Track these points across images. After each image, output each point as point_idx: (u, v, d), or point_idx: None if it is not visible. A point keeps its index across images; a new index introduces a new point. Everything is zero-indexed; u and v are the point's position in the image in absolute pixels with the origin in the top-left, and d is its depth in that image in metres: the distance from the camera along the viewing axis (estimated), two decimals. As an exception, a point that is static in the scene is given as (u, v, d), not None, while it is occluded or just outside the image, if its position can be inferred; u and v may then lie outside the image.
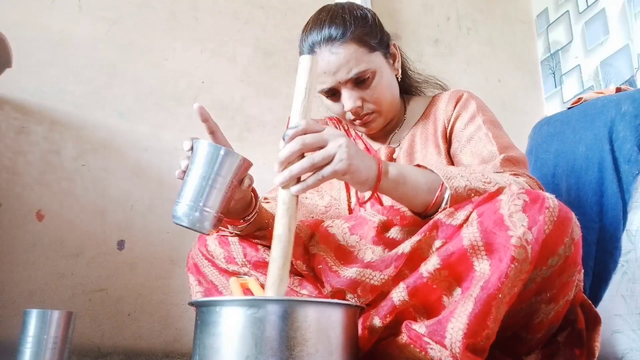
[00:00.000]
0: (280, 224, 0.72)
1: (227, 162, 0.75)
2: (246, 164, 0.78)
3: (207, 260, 0.99)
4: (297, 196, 0.73)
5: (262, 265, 0.95)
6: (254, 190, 0.91)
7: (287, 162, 0.72)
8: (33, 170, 1.45)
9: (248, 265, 0.95)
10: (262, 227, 0.95)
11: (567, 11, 1.97)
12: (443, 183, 0.79)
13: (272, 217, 1.01)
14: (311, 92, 0.77)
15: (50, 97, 1.50)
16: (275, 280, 0.70)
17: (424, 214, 0.83)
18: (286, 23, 1.80)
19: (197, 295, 0.97)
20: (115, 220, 1.48)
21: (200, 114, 0.81)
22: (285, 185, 0.73)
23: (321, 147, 0.72)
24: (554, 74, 2.03)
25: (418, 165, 0.85)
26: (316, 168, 0.71)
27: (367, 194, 0.81)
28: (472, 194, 0.78)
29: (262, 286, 0.90)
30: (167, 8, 1.68)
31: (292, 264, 0.91)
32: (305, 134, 0.72)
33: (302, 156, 0.73)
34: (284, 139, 0.73)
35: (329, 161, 0.71)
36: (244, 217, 0.90)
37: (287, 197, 0.72)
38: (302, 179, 0.73)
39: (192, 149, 0.77)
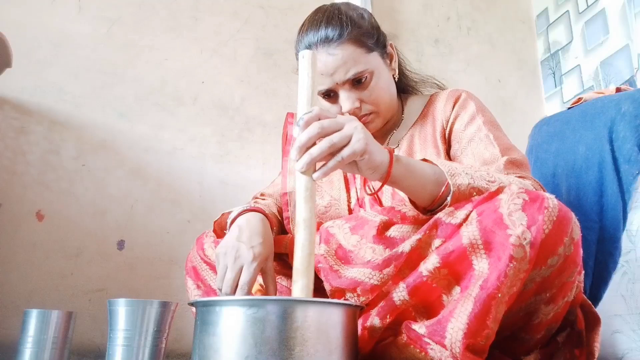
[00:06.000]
0: (305, 209, 0.72)
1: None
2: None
3: (206, 264, 0.98)
4: (316, 181, 0.73)
5: None
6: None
7: (305, 148, 0.71)
8: (33, 170, 1.45)
9: None
10: None
11: (567, 11, 1.97)
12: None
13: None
14: (315, 83, 0.78)
15: (50, 97, 1.50)
16: (306, 267, 0.70)
17: (428, 208, 0.83)
18: (286, 23, 1.80)
19: (196, 298, 0.96)
20: (115, 220, 1.48)
21: None
22: (306, 171, 0.72)
23: (337, 131, 0.72)
24: (554, 74, 2.03)
25: (423, 160, 0.84)
26: (335, 150, 0.71)
27: (376, 185, 0.80)
28: (474, 193, 0.77)
29: (261, 286, 0.90)
30: (167, 8, 1.68)
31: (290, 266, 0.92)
32: (319, 119, 0.72)
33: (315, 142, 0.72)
34: (298, 125, 0.72)
35: (347, 142, 0.71)
36: None
37: (309, 182, 0.73)
38: (317, 167, 0.73)
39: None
